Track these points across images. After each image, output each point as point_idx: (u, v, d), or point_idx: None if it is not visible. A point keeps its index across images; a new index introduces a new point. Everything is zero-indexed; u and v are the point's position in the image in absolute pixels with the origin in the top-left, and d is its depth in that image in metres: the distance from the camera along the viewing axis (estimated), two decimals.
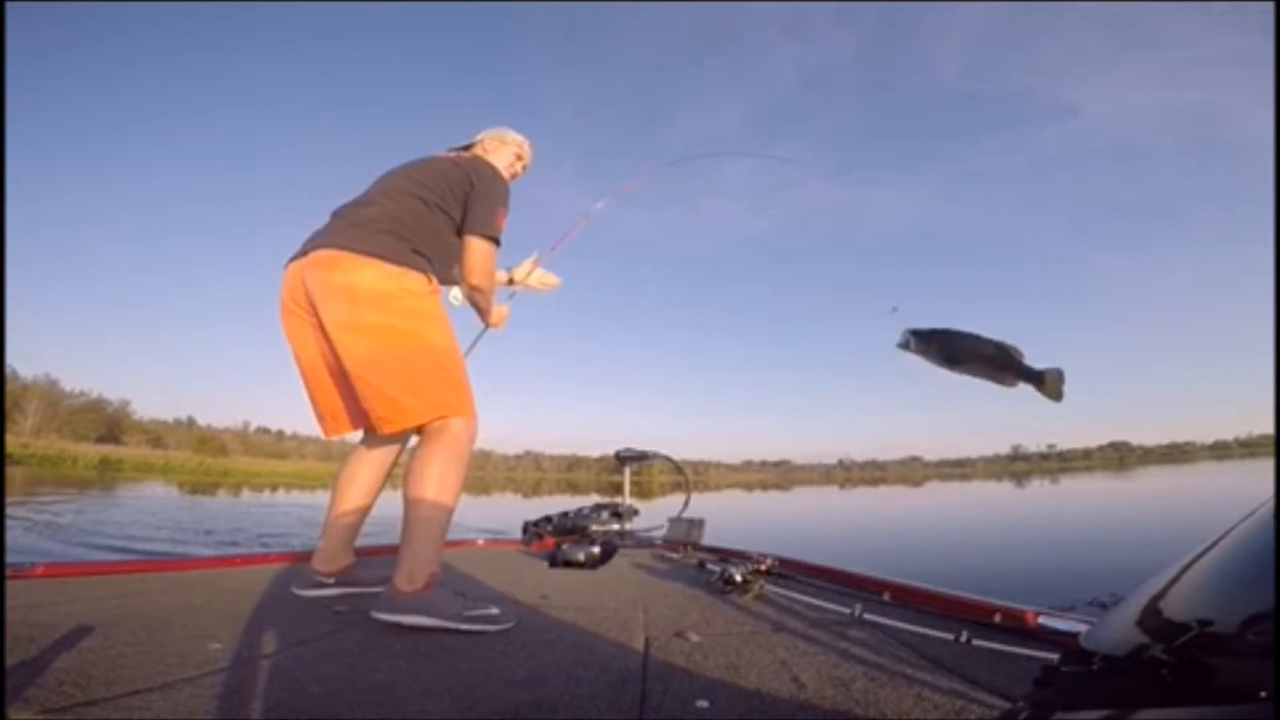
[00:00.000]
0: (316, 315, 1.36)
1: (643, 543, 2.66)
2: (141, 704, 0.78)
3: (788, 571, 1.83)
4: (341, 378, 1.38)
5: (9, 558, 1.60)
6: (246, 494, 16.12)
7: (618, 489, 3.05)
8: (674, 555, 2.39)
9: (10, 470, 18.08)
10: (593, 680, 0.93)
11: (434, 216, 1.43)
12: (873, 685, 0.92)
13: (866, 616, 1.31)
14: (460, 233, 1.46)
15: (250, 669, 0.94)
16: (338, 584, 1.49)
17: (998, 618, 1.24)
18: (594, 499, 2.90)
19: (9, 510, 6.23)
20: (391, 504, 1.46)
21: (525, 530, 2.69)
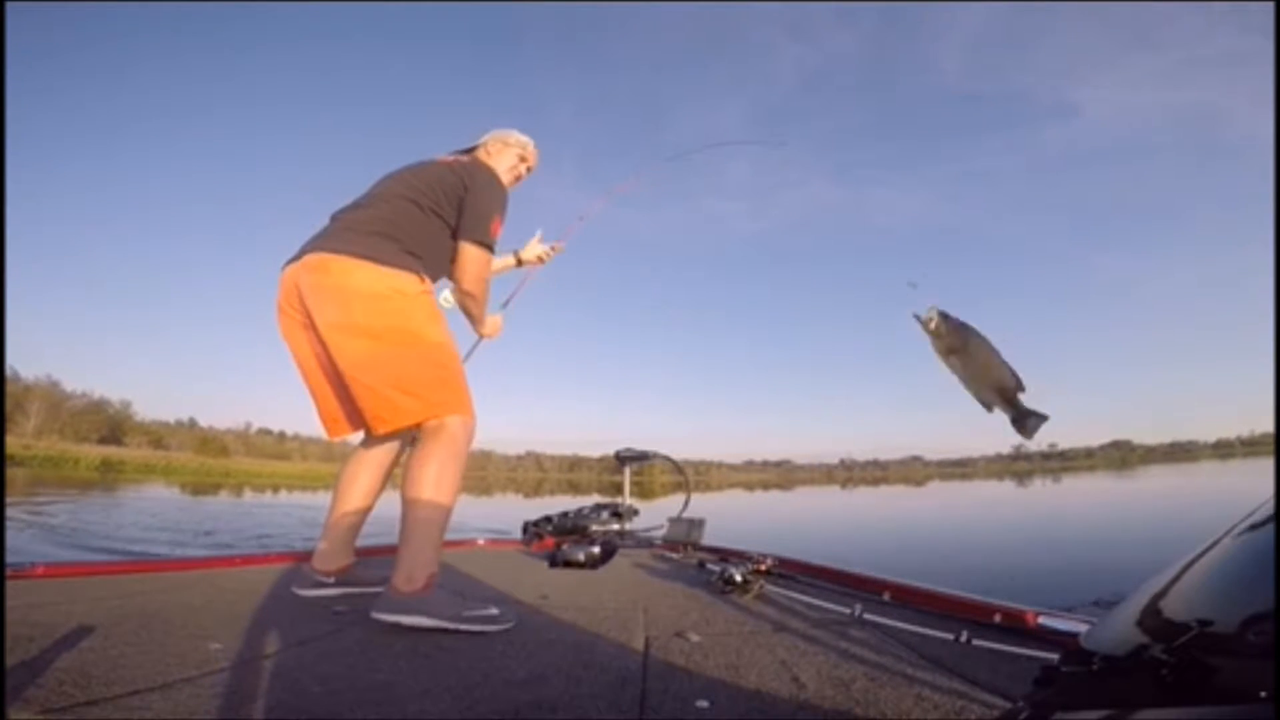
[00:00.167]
0: (310, 318, 1.37)
1: (643, 543, 2.66)
2: (141, 704, 0.78)
3: (788, 571, 1.83)
4: (337, 379, 1.39)
5: (9, 558, 1.60)
6: (248, 495, 16.14)
7: (619, 489, 3.05)
8: (674, 555, 2.39)
9: (12, 471, 18.12)
10: (593, 680, 0.93)
11: (429, 220, 1.44)
12: (873, 685, 0.92)
13: (866, 616, 1.30)
14: (454, 238, 1.47)
15: (250, 669, 0.94)
16: (338, 584, 1.49)
17: (998, 618, 1.24)
18: (595, 499, 2.90)
19: (9, 510, 6.24)
20: (393, 504, 1.47)
21: (525, 530, 2.69)
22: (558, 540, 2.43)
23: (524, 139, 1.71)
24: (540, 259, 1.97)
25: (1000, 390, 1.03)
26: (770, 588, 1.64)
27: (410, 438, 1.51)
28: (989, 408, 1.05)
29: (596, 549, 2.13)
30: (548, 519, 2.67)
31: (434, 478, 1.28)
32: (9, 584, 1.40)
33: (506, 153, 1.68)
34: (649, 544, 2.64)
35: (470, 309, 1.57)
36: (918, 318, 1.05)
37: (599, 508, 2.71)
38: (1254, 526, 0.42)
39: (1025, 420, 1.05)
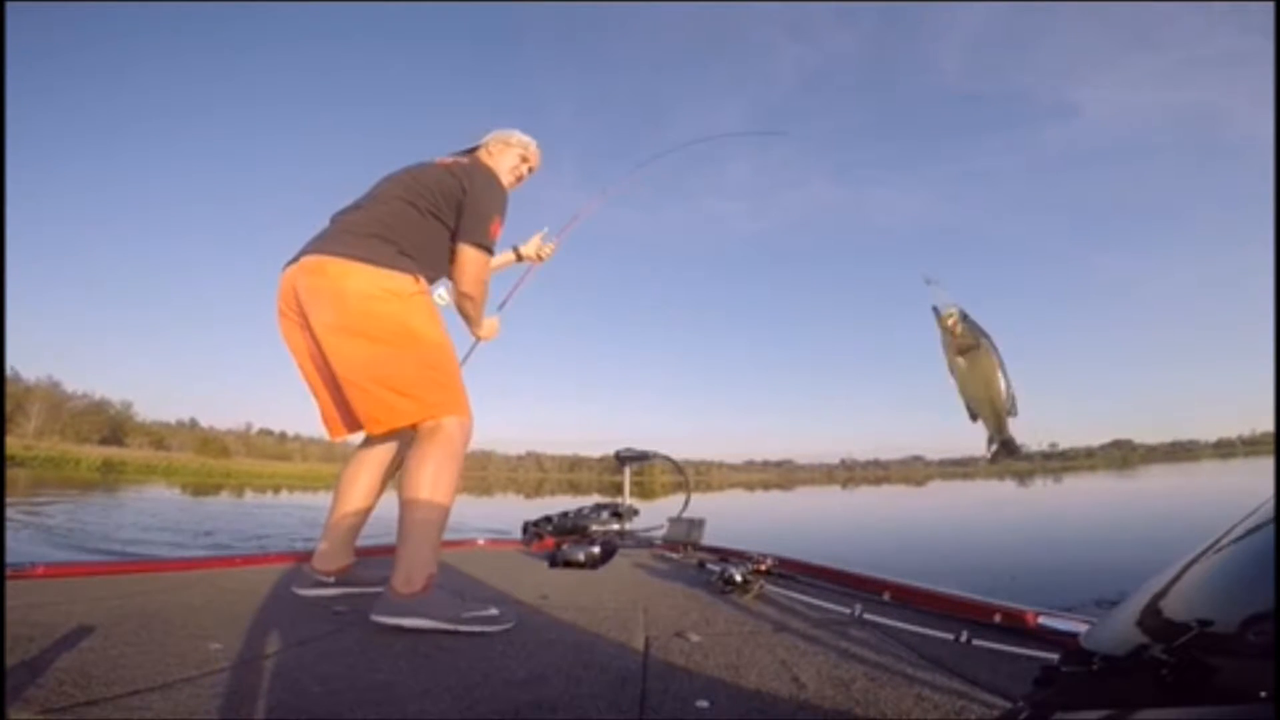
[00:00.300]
0: (307, 320, 1.38)
1: (643, 543, 2.66)
2: (141, 704, 0.78)
3: (788, 571, 1.83)
4: (334, 381, 1.39)
5: (9, 558, 1.60)
6: (249, 495, 16.15)
7: (619, 489, 3.05)
8: (674, 555, 2.39)
9: (13, 472, 18.14)
10: (593, 680, 0.93)
11: (426, 222, 1.44)
12: (873, 685, 0.92)
13: (866, 616, 1.30)
14: (453, 240, 1.47)
15: (250, 669, 0.94)
16: (338, 584, 1.49)
17: (998, 618, 1.24)
18: (596, 499, 2.90)
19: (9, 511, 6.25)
20: (393, 504, 1.47)
21: (525, 530, 2.69)
22: (558, 540, 2.43)
23: (526, 139, 1.71)
24: (539, 256, 1.97)
25: (992, 405, 1.02)
26: (770, 588, 1.64)
27: (410, 439, 1.51)
28: (974, 418, 1.05)
29: (596, 549, 2.13)
30: (548, 519, 2.67)
31: (431, 478, 1.28)
32: (9, 584, 1.40)
33: (508, 153, 1.67)
34: (649, 544, 2.64)
35: (467, 311, 1.57)
36: (937, 311, 1.04)
37: (599, 508, 2.71)
38: (1254, 526, 0.42)
39: (1001, 446, 1.05)
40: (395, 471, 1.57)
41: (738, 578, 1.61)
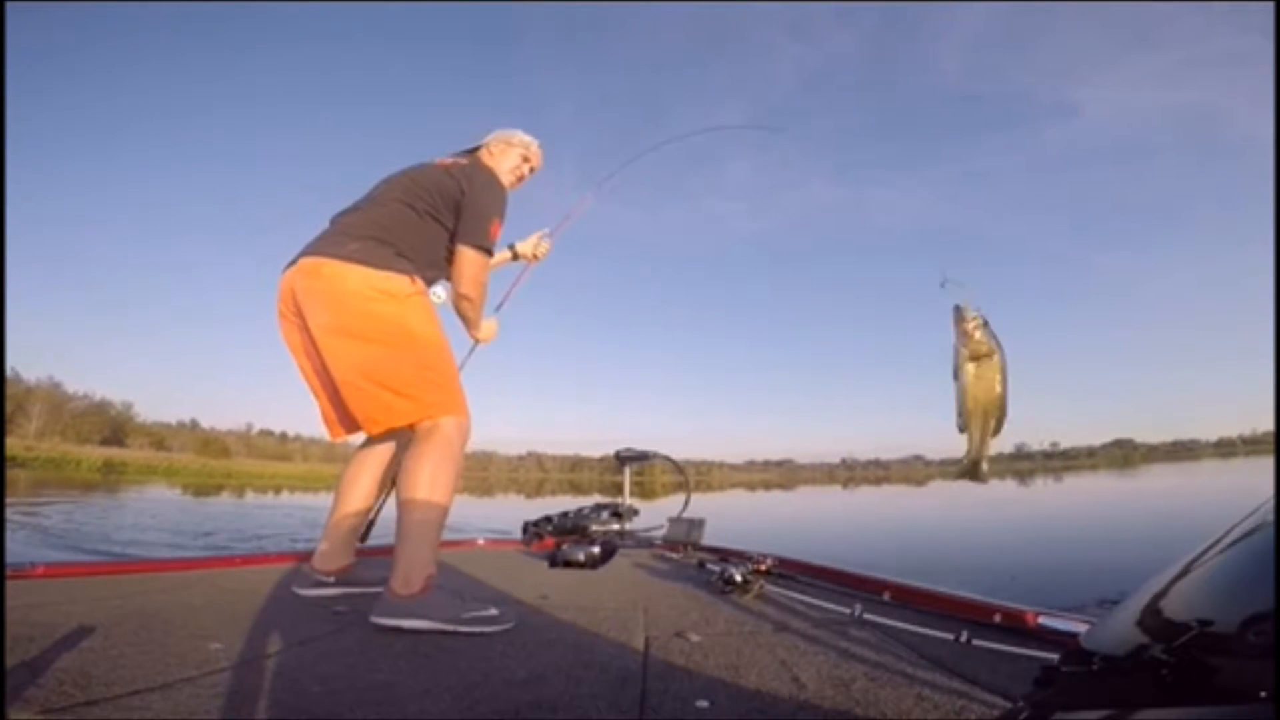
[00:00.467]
0: (305, 321, 1.38)
1: (643, 543, 2.66)
2: (141, 704, 0.78)
3: (788, 571, 1.83)
4: (332, 382, 1.39)
5: (9, 558, 1.60)
6: (250, 496, 16.16)
7: (620, 489, 3.05)
8: (674, 555, 2.39)
9: (14, 473, 18.16)
10: (593, 680, 0.93)
11: (424, 223, 1.44)
12: (873, 685, 0.92)
13: (866, 616, 1.30)
14: (453, 241, 1.47)
15: (250, 669, 0.94)
16: (338, 584, 1.50)
17: (998, 618, 1.24)
18: (597, 499, 2.90)
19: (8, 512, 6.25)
20: (393, 505, 1.47)
21: (525, 530, 2.69)
22: (558, 540, 2.43)
23: (527, 139, 1.70)
24: (535, 255, 1.97)
25: (985, 420, 1.02)
26: (770, 588, 1.64)
27: (409, 440, 1.51)
28: (961, 428, 1.04)
29: (596, 549, 2.13)
30: (548, 519, 2.67)
31: (429, 479, 1.28)
32: (9, 584, 1.40)
33: (509, 153, 1.67)
34: (649, 544, 2.64)
35: (466, 312, 1.56)
36: (960, 309, 1.02)
37: (599, 508, 2.71)
38: (1254, 526, 0.42)
39: (971, 465, 1.05)
40: (396, 472, 1.57)
41: (738, 578, 1.61)
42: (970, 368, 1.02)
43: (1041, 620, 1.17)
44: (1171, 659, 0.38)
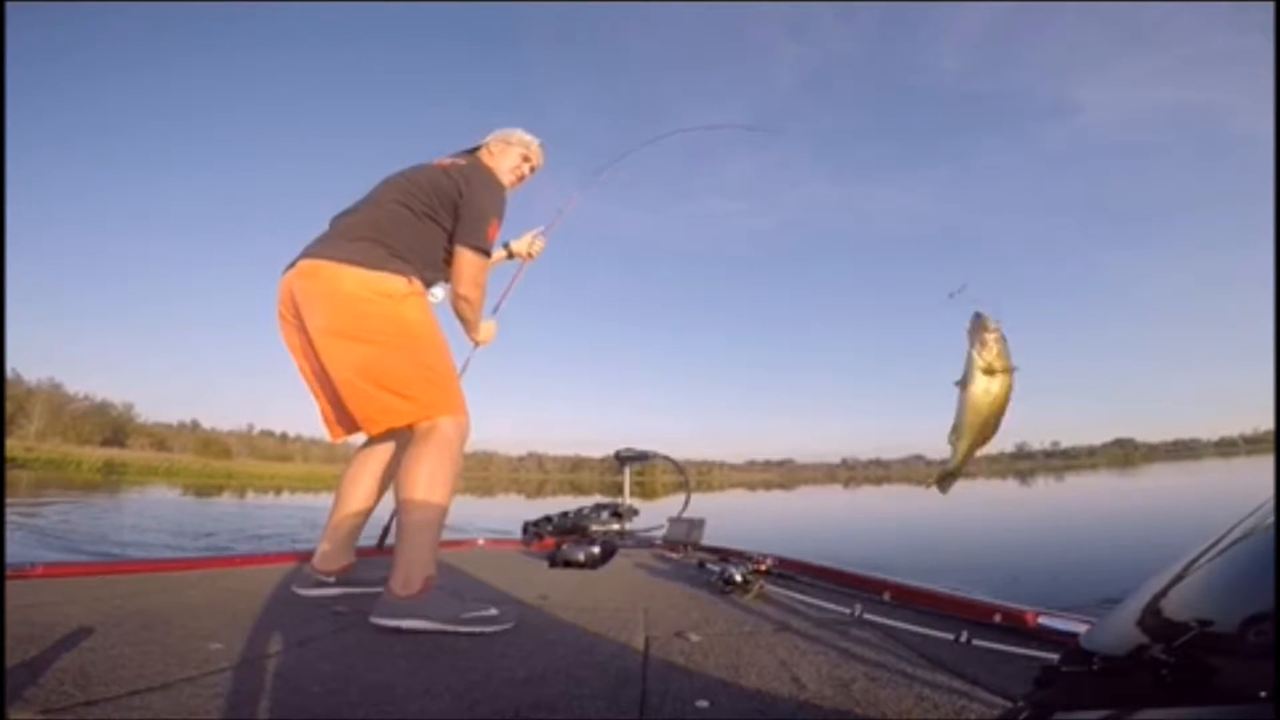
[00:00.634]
0: (303, 323, 1.38)
1: (643, 543, 2.66)
2: (141, 704, 0.78)
3: (788, 571, 1.83)
4: (331, 383, 1.39)
5: (9, 558, 1.60)
6: (251, 496, 16.17)
7: (620, 489, 3.04)
8: (674, 555, 2.39)
9: (15, 474, 18.17)
10: (593, 680, 0.93)
11: (422, 224, 1.44)
12: (873, 685, 0.92)
13: (866, 616, 1.30)
14: (451, 242, 1.47)
15: (250, 669, 0.94)
16: (339, 584, 1.50)
17: (998, 618, 1.24)
18: (597, 499, 2.90)
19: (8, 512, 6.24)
20: (392, 505, 1.47)
21: (525, 530, 2.69)
22: (558, 540, 2.43)
23: (528, 138, 1.70)
24: (529, 254, 1.96)
25: (981, 435, 1.01)
26: (770, 588, 1.64)
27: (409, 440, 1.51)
28: (951, 440, 1.04)
29: (596, 549, 2.13)
30: (548, 519, 2.67)
31: (427, 479, 1.28)
32: (9, 584, 1.40)
33: (509, 152, 1.67)
34: (649, 544, 2.64)
35: (464, 313, 1.56)
36: (981, 319, 0.99)
37: (599, 508, 2.71)
38: (1254, 526, 0.42)
39: (948, 475, 1.06)
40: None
41: (738, 578, 1.61)
42: (983, 381, 0.99)
43: (1041, 620, 1.17)
44: (1171, 659, 0.38)
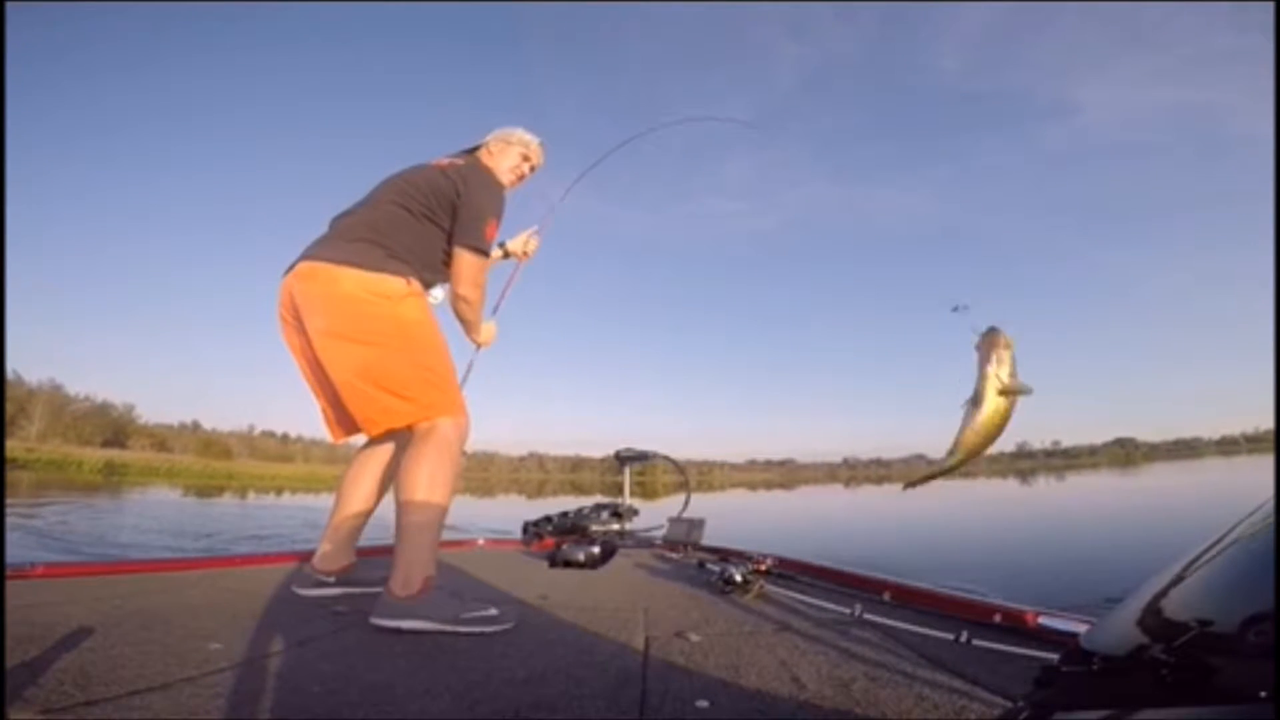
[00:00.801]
0: (303, 325, 1.39)
1: (643, 543, 2.66)
2: (141, 704, 0.78)
3: (788, 571, 1.83)
4: (331, 384, 1.39)
5: (9, 558, 1.60)
6: (252, 497, 16.17)
7: (621, 489, 3.04)
8: (674, 555, 2.39)
9: (16, 474, 18.19)
10: (593, 680, 0.93)
11: (420, 225, 1.44)
12: (873, 685, 0.92)
13: (866, 616, 1.30)
14: (449, 242, 1.47)
15: (250, 669, 0.94)
16: (339, 584, 1.50)
17: (998, 618, 1.24)
18: (598, 500, 2.90)
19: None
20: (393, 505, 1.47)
21: (525, 530, 2.69)
22: (558, 540, 2.43)
23: (527, 137, 1.69)
24: (525, 252, 1.96)
25: (972, 447, 1.01)
26: (770, 588, 1.64)
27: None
28: (951, 452, 1.04)
29: (596, 549, 2.13)
30: (548, 519, 2.67)
31: (427, 480, 1.28)
32: (9, 584, 1.40)
33: (508, 152, 1.66)
34: (649, 544, 2.64)
35: (464, 314, 1.56)
36: (998, 335, 0.97)
37: (599, 508, 2.71)
38: (1254, 526, 0.42)
39: (929, 476, 1.07)
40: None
41: (738, 578, 1.61)
42: (996, 402, 0.98)
43: (1041, 620, 1.17)
44: (1171, 659, 0.38)
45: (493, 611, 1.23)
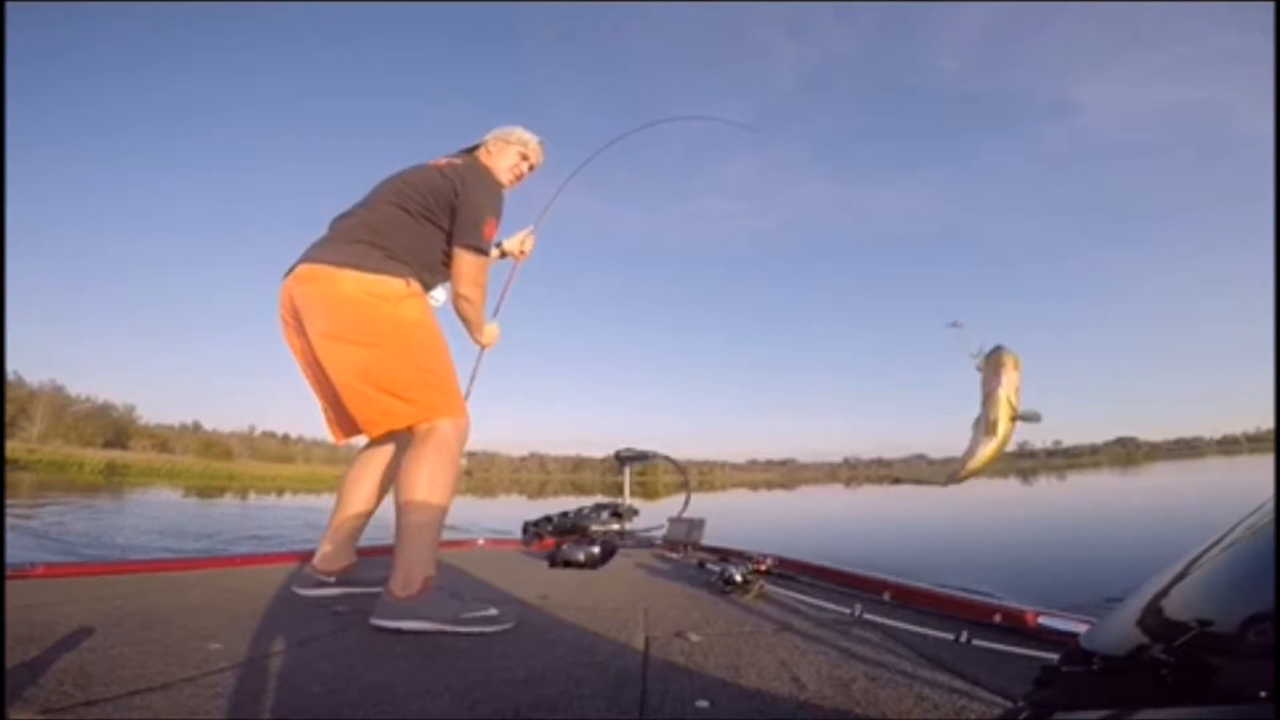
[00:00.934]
0: (303, 328, 1.39)
1: (643, 543, 2.66)
2: (141, 704, 0.78)
3: (788, 571, 1.83)
4: (331, 386, 1.39)
5: (9, 558, 1.60)
6: (253, 498, 16.19)
7: (621, 490, 3.04)
8: (674, 555, 2.39)
9: (18, 475, 18.22)
10: (593, 680, 0.93)
11: (419, 225, 1.44)
12: (873, 685, 0.92)
13: (866, 616, 1.30)
14: (449, 242, 1.47)
15: (250, 669, 0.94)
16: (339, 584, 1.50)
17: (998, 618, 1.24)
18: (599, 500, 2.90)
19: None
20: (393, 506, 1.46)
21: (525, 530, 2.69)
22: (558, 540, 2.43)
23: (526, 136, 1.68)
24: (521, 252, 1.96)
25: (979, 469, 1.02)
26: (770, 588, 1.64)
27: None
28: (948, 480, 1.05)
29: (596, 549, 2.13)
30: (548, 519, 2.67)
31: (426, 481, 1.28)
32: (9, 584, 1.40)
33: (507, 151, 1.66)
34: (649, 544, 2.64)
35: (466, 313, 1.56)
36: (1008, 356, 0.97)
37: (599, 508, 2.71)
38: (1254, 526, 0.42)
39: (899, 481, 1.06)
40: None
41: (738, 578, 1.60)
42: (1003, 422, 0.98)
43: (1041, 620, 1.17)
44: (1171, 659, 0.38)
45: (493, 611, 1.24)
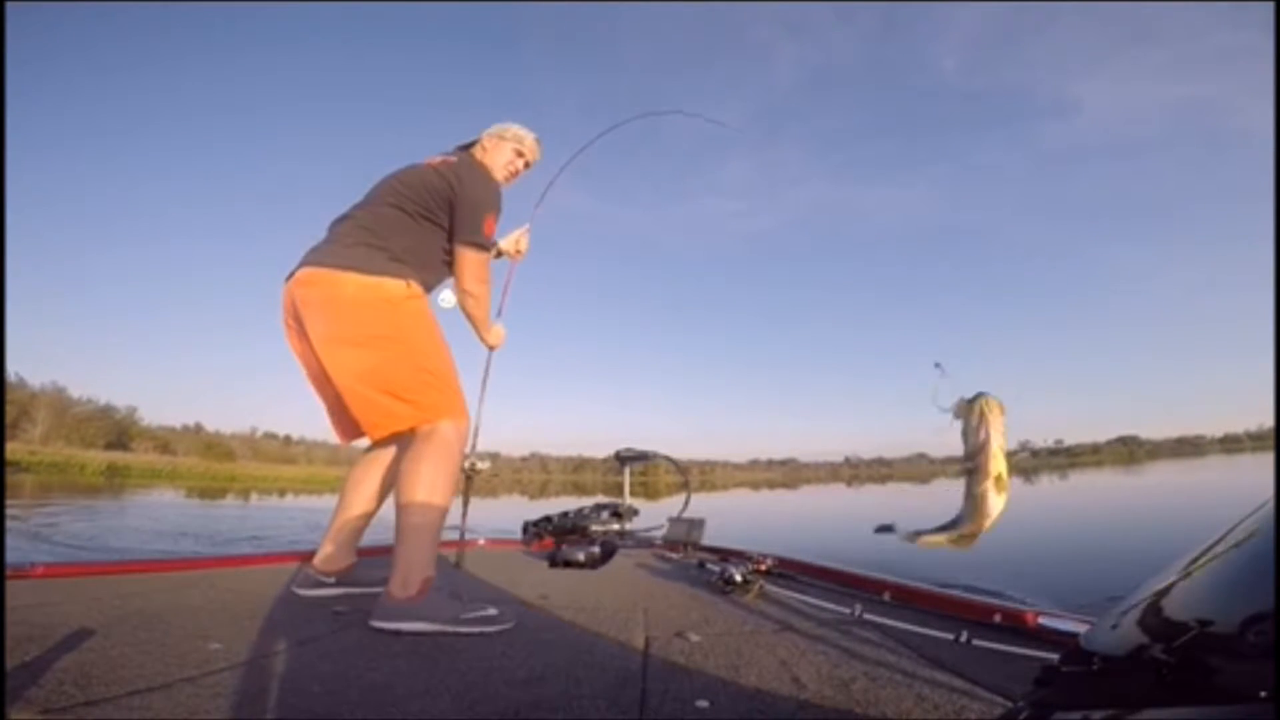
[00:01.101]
0: (305, 331, 1.39)
1: (643, 543, 2.66)
2: (141, 704, 0.78)
3: (788, 571, 1.82)
4: (334, 388, 1.39)
5: (9, 558, 1.61)
6: (254, 499, 16.20)
7: (622, 489, 3.04)
8: (674, 555, 2.38)
9: (19, 477, 18.24)
10: (593, 680, 0.93)
11: (418, 225, 1.44)
12: (873, 685, 0.92)
13: (866, 616, 1.30)
14: (450, 241, 1.47)
15: (250, 669, 0.94)
16: (339, 584, 1.50)
17: (998, 618, 1.23)
18: (599, 500, 2.90)
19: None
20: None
21: (525, 530, 2.69)
22: (558, 540, 2.43)
23: (521, 132, 1.67)
24: (517, 251, 1.95)
25: (986, 529, 1.03)
26: (770, 588, 1.64)
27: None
28: (960, 521, 1.06)
29: (596, 549, 2.13)
30: (548, 519, 2.67)
31: (427, 481, 1.28)
32: (9, 584, 1.41)
33: (502, 147, 1.65)
34: (649, 544, 2.64)
35: (472, 310, 1.56)
36: (990, 400, 0.97)
37: (599, 508, 2.71)
38: (1254, 526, 0.42)
39: (887, 530, 1.09)
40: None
41: (738, 578, 1.60)
42: (1001, 473, 0.99)
43: (1041, 620, 1.17)
44: (1171, 659, 0.38)
45: (492, 611, 1.24)
